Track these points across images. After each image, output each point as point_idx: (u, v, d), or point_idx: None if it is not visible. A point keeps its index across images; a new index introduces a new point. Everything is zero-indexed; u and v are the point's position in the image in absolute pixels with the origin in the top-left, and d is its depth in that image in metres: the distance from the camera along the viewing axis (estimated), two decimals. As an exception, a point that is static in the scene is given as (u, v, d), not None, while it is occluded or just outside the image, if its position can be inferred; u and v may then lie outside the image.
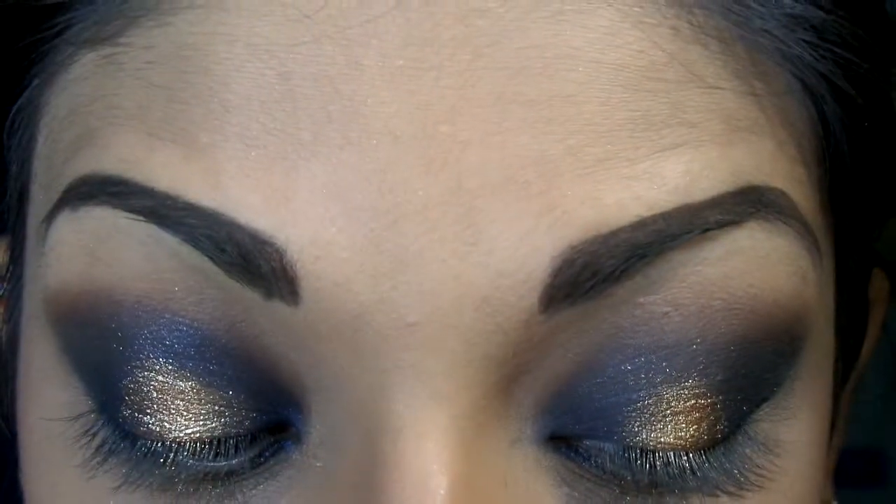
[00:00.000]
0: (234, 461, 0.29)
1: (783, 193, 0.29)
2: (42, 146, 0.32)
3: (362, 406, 0.28)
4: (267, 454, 0.29)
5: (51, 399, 0.31)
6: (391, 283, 0.27)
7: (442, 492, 0.27)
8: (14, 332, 0.35)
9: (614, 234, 0.27)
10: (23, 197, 0.34)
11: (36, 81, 0.32)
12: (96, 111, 0.30)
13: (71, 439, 0.31)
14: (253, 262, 0.27)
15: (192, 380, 0.29)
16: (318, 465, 0.29)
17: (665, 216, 0.28)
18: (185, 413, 0.29)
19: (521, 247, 0.27)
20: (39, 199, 0.32)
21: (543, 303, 0.27)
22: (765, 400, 0.30)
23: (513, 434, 0.29)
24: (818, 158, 0.31)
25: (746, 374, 0.29)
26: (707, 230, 0.28)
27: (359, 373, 0.28)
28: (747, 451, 0.30)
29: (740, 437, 0.30)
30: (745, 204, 0.29)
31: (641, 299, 0.28)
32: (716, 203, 0.28)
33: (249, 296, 0.28)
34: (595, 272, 0.27)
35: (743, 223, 0.29)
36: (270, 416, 0.29)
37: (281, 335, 0.28)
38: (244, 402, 0.29)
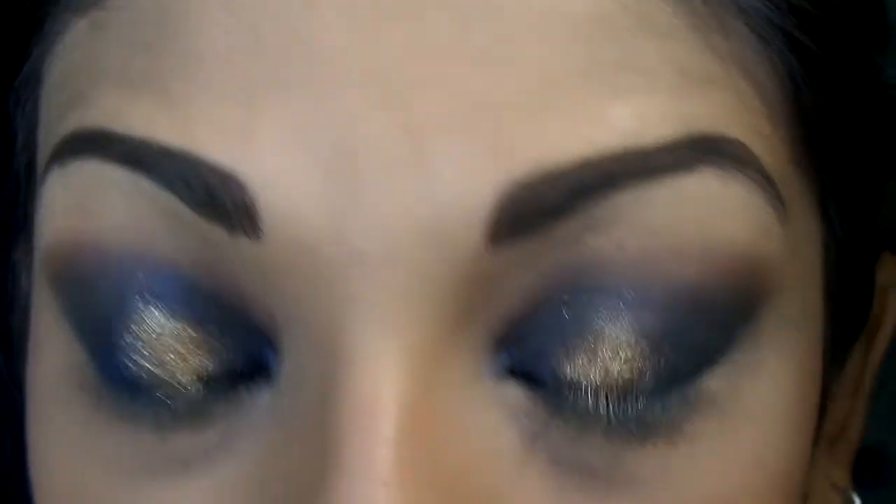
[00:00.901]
0: (218, 401, 0.30)
1: (741, 144, 0.30)
2: (42, 115, 0.34)
3: (323, 339, 0.29)
4: (245, 396, 0.30)
5: (51, 354, 0.33)
6: (344, 215, 0.28)
7: (390, 416, 0.28)
8: (28, 300, 0.36)
9: (559, 171, 0.28)
10: (30, 167, 0.35)
11: (36, 51, 0.34)
12: (84, 74, 0.31)
13: (68, 389, 0.32)
14: (218, 197, 0.29)
15: (181, 323, 0.30)
16: (285, 402, 0.30)
17: (611, 157, 0.28)
18: (174, 357, 0.31)
19: (466, 182, 0.28)
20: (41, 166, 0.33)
21: (489, 238, 0.28)
22: (718, 351, 0.30)
23: (469, 369, 0.29)
24: (788, 115, 0.31)
25: (698, 322, 0.30)
26: (655, 174, 0.29)
27: (318, 305, 0.29)
28: (693, 400, 0.30)
29: (688, 385, 0.30)
30: (698, 152, 0.29)
31: (589, 240, 0.29)
32: (666, 149, 0.29)
33: (218, 234, 0.29)
34: (539, 208, 0.28)
35: (695, 170, 0.29)
36: (252, 357, 0.30)
37: (250, 274, 0.29)
38: (230, 345, 0.30)
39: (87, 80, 0.31)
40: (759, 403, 0.31)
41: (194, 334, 0.31)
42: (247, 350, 0.31)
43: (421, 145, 0.28)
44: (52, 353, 0.33)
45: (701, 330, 0.30)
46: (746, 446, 0.31)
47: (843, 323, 0.36)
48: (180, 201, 0.29)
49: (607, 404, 0.30)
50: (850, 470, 0.40)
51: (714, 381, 0.30)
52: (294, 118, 0.28)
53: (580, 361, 0.30)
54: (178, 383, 0.31)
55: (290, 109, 0.28)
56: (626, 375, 0.30)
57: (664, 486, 0.30)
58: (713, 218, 0.29)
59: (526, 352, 0.30)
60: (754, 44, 0.30)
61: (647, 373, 0.30)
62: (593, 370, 0.30)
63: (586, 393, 0.30)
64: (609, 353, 0.30)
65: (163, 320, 0.31)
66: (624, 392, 0.30)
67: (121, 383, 0.31)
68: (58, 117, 0.32)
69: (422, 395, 0.29)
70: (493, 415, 0.30)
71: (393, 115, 0.28)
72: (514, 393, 0.30)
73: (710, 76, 0.30)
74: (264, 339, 0.30)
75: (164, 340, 0.31)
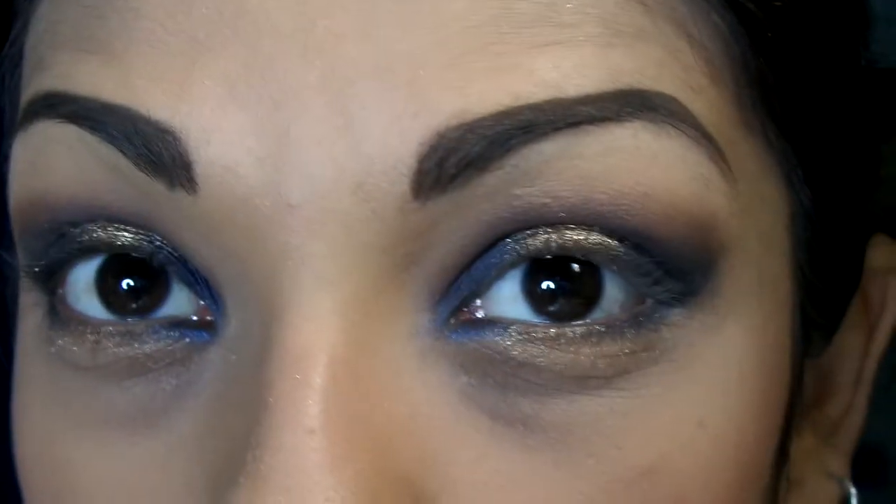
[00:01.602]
0: (171, 354, 0.31)
1: (674, 99, 0.30)
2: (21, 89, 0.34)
3: (260, 294, 0.29)
4: (195, 351, 0.31)
5: (28, 315, 0.34)
6: (274, 166, 0.28)
7: (320, 367, 0.28)
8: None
9: (479, 121, 0.28)
10: None
11: (19, 23, 0.34)
12: (45, 42, 0.32)
13: (39, 348, 0.33)
14: (156, 151, 0.29)
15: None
16: (232, 357, 0.30)
17: (532, 107, 0.28)
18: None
19: (389, 133, 0.28)
20: None
21: (414, 189, 0.28)
22: (675, 301, 0.30)
23: (408, 325, 0.30)
24: (737, 77, 0.31)
25: (645, 269, 0.30)
26: (580, 125, 0.29)
27: (255, 260, 0.29)
28: (644, 347, 0.30)
29: (638, 332, 0.30)
30: (626, 105, 0.29)
31: (518, 191, 0.29)
32: (589, 100, 0.29)
33: (159, 189, 0.29)
34: (461, 159, 0.28)
35: (624, 122, 0.29)
36: (200, 313, 0.31)
37: (190, 229, 0.30)
38: (179, 300, 0.31)
39: (47, 48, 0.32)
40: (712, 364, 0.31)
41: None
42: (195, 305, 0.31)
43: (343, 96, 0.28)
44: (28, 314, 0.34)
45: (648, 277, 0.30)
46: (691, 404, 0.31)
47: (822, 301, 0.36)
48: (123, 156, 0.30)
49: (548, 353, 0.30)
50: (849, 460, 0.40)
51: (668, 332, 0.30)
52: (228, 74, 0.29)
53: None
54: (131, 335, 0.31)
55: (225, 65, 0.29)
56: (569, 323, 0.30)
57: (604, 437, 0.30)
58: (649, 169, 0.29)
59: (465, 305, 0.30)
60: (694, 3, 0.30)
61: (591, 319, 0.30)
62: (534, 320, 0.30)
63: (526, 343, 0.30)
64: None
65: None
66: (566, 340, 0.30)
67: (71, 334, 0.32)
68: (25, 86, 0.33)
69: (355, 348, 0.29)
70: (430, 370, 0.30)
71: (319, 70, 0.28)
72: (453, 347, 0.30)
73: (639, 31, 0.30)
74: (211, 295, 0.31)
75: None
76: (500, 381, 0.30)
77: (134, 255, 0.31)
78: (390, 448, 0.29)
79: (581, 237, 0.29)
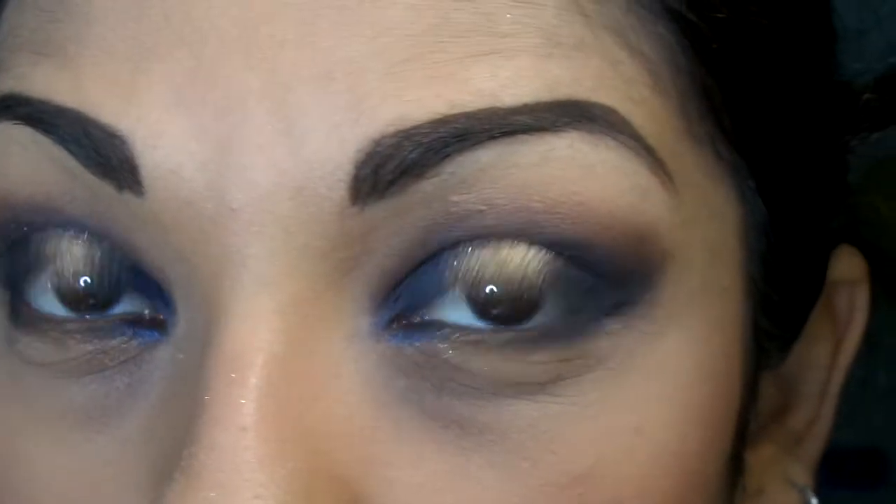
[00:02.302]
0: (123, 352, 0.31)
1: (613, 110, 0.30)
2: None
3: (205, 294, 0.30)
4: (147, 350, 0.31)
5: None
6: (217, 170, 0.29)
7: (255, 368, 0.29)
8: None
9: (416, 129, 0.29)
10: None
11: None
12: (6, 44, 0.33)
13: (1, 344, 0.34)
14: (104, 154, 0.30)
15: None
16: (180, 357, 0.31)
17: (468, 115, 0.29)
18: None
19: (329, 139, 0.29)
20: None
21: (352, 195, 0.29)
22: (614, 309, 0.31)
23: (348, 328, 0.30)
24: (682, 89, 0.31)
25: (583, 277, 0.30)
26: (516, 134, 0.29)
27: (199, 262, 0.30)
28: (580, 355, 0.30)
29: (575, 339, 0.30)
30: (563, 115, 0.29)
31: (454, 198, 0.29)
32: (525, 110, 0.29)
33: (108, 191, 0.30)
34: (398, 166, 0.29)
35: (561, 132, 0.29)
36: (152, 312, 0.32)
37: (139, 230, 0.30)
38: (131, 299, 0.32)
39: (7, 50, 0.32)
40: (651, 373, 0.31)
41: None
42: (148, 304, 0.32)
43: (284, 102, 0.29)
44: None
45: (586, 286, 0.30)
46: (629, 411, 0.31)
47: (778, 312, 0.36)
48: (74, 158, 0.30)
49: (483, 358, 0.30)
50: (813, 469, 0.39)
51: (606, 340, 0.31)
52: (174, 79, 0.29)
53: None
54: (92, 331, 0.32)
55: (171, 71, 0.29)
56: (503, 329, 0.30)
57: (539, 441, 0.30)
58: (585, 179, 0.30)
59: (405, 309, 0.30)
60: (635, 13, 0.31)
61: (529, 325, 0.30)
62: (476, 324, 0.30)
63: (462, 348, 0.30)
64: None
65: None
66: (499, 345, 0.30)
67: (32, 332, 0.32)
68: None
69: (293, 349, 0.29)
70: (369, 372, 0.30)
71: (261, 76, 0.29)
72: (392, 350, 0.30)
73: (579, 42, 0.30)
74: (162, 295, 0.31)
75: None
76: (436, 384, 0.30)
77: (82, 255, 0.32)
78: (326, 448, 0.29)
79: (518, 255, 0.30)
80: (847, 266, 0.39)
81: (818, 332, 0.39)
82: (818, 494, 0.39)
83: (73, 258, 0.32)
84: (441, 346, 0.30)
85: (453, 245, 0.30)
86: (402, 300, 0.30)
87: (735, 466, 0.35)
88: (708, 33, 0.31)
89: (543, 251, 0.30)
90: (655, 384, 0.31)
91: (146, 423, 0.31)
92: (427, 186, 0.29)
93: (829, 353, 0.39)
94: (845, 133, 0.37)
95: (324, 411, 0.29)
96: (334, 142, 0.29)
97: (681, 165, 0.31)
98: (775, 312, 0.35)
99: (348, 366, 0.30)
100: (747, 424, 0.36)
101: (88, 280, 0.32)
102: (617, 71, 0.30)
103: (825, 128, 0.36)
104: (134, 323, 0.31)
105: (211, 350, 0.29)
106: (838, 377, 0.39)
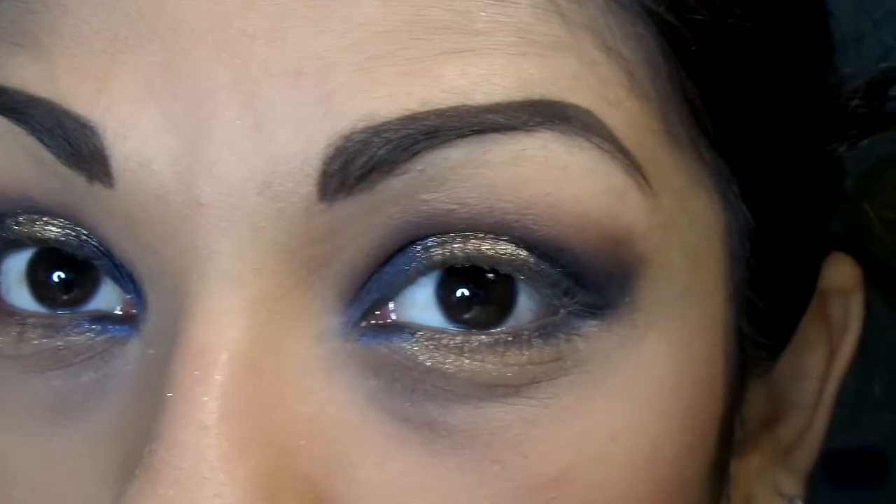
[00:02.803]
0: (94, 347, 0.31)
1: (588, 111, 0.30)
2: None
3: (175, 288, 0.30)
4: (117, 344, 0.31)
5: None
6: (187, 164, 0.29)
7: (219, 366, 0.29)
8: None
9: (385, 125, 0.29)
10: None
11: None
12: None
13: None
14: (76, 145, 0.30)
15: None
16: (150, 352, 0.31)
17: (438, 113, 0.29)
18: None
19: (298, 135, 0.29)
20: None
21: (321, 191, 0.29)
22: (590, 313, 0.30)
23: (317, 326, 0.30)
24: (663, 92, 0.31)
25: (556, 279, 0.30)
26: (485, 132, 0.29)
27: (170, 255, 0.30)
28: (553, 357, 0.30)
29: (549, 341, 0.30)
30: (537, 115, 0.29)
31: (424, 196, 0.29)
32: (498, 108, 0.29)
33: (79, 182, 0.30)
34: (367, 162, 0.29)
35: (534, 133, 0.29)
36: (123, 306, 0.32)
37: (109, 222, 0.30)
38: (103, 292, 0.32)
39: None
40: (629, 378, 0.31)
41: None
42: (122, 299, 0.32)
43: (257, 100, 0.29)
44: None
45: (557, 288, 0.30)
46: (604, 416, 0.31)
47: (764, 319, 0.35)
48: (46, 149, 0.30)
49: (455, 360, 0.30)
50: (804, 479, 0.39)
51: (583, 343, 0.30)
52: (146, 72, 0.29)
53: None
54: (55, 327, 0.32)
55: (143, 64, 0.29)
56: (475, 332, 0.30)
57: (510, 444, 0.30)
58: (558, 180, 0.29)
59: (376, 309, 0.30)
60: (614, 14, 0.30)
61: (502, 327, 0.30)
62: (447, 327, 0.30)
63: (434, 350, 0.30)
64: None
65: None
66: (471, 348, 0.30)
67: (4, 322, 0.32)
68: None
69: (260, 346, 0.29)
70: (338, 371, 0.30)
71: (230, 67, 0.29)
72: (362, 350, 0.30)
73: (555, 41, 0.30)
74: (135, 289, 0.31)
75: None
76: (408, 385, 0.30)
77: (61, 249, 0.32)
78: (291, 447, 0.29)
79: (488, 246, 0.30)
80: (841, 273, 0.39)
81: (811, 340, 0.38)
82: (818, 494, 0.39)
83: (48, 252, 0.32)
84: (414, 348, 0.30)
85: (422, 244, 0.30)
86: (372, 293, 0.30)
87: (719, 475, 0.34)
88: (688, 35, 0.31)
89: (517, 251, 0.30)
90: (632, 389, 0.31)
91: (116, 418, 0.31)
92: (396, 183, 0.29)
93: (822, 363, 0.39)
94: (834, 139, 0.36)
95: (289, 410, 0.29)
96: (303, 137, 0.29)
97: (659, 169, 0.31)
98: (761, 320, 0.35)
99: (316, 364, 0.30)
100: (732, 432, 0.35)
101: (63, 275, 0.32)
102: (594, 71, 0.30)
103: (812, 133, 0.35)
104: (103, 318, 0.31)
105: (176, 346, 0.29)
106: (832, 387, 0.39)
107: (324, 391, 0.30)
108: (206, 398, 0.28)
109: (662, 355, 0.31)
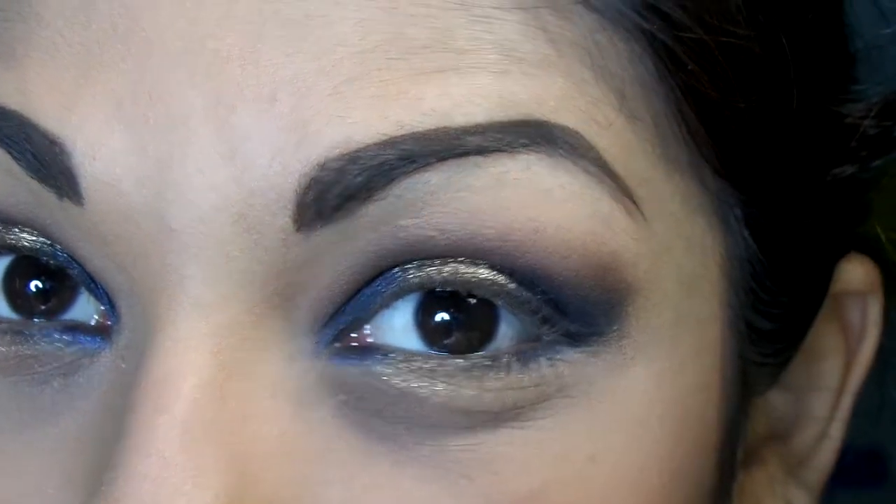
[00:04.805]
0: (65, 354, 0.31)
1: (576, 133, 0.29)
2: None
3: (145, 308, 0.29)
4: (87, 355, 0.31)
5: None
6: (156, 188, 0.28)
7: (181, 395, 0.28)
8: None
9: (361, 151, 0.28)
10: None
11: None
12: None
13: None
14: (44, 161, 0.29)
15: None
16: (122, 366, 0.30)
17: (416, 136, 0.28)
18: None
19: (272, 164, 0.28)
20: None
21: (296, 221, 0.28)
22: (574, 338, 0.30)
23: (290, 349, 0.29)
24: (657, 113, 0.30)
25: (537, 304, 0.29)
26: (465, 155, 0.28)
27: (140, 274, 0.29)
28: (532, 383, 0.29)
29: (530, 365, 0.29)
30: (521, 136, 0.28)
31: (403, 222, 0.28)
32: (480, 130, 0.28)
33: (47, 196, 0.29)
34: (343, 190, 0.28)
35: (517, 154, 0.28)
36: (98, 317, 0.31)
37: (80, 238, 0.30)
38: (78, 302, 0.31)
39: None
40: (615, 403, 0.30)
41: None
42: (96, 309, 0.31)
43: (226, 124, 0.28)
44: None
45: (543, 314, 0.29)
46: (585, 439, 0.30)
47: (767, 342, 0.34)
48: (15, 162, 0.30)
49: (430, 384, 0.29)
50: (816, 496, 0.38)
51: (567, 369, 0.30)
52: (116, 91, 0.29)
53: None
54: (23, 335, 0.31)
55: (114, 82, 0.29)
56: (451, 356, 0.29)
57: (480, 460, 0.29)
58: (542, 204, 0.29)
59: (351, 331, 0.30)
60: (604, 32, 0.29)
61: (481, 352, 0.29)
62: (422, 350, 0.29)
63: (407, 373, 0.29)
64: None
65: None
66: (447, 373, 0.29)
67: None
68: None
69: (226, 372, 0.29)
70: (307, 391, 0.29)
71: (203, 90, 0.28)
72: (333, 371, 0.30)
73: (541, 60, 0.29)
74: (107, 301, 0.31)
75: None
76: (378, 407, 0.29)
77: (35, 257, 0.31)
78: (254, 471, 0.29)
79: (467, 270, 0.29)
80: (857, 275, 0.37)
81: (827, 348, 0.37)
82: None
83: (26, 260, 0.31)
84: (387, 370, 0.29)
85: (400, 268, 0.29)
86: (347, 315, 0.30)
87: (718, 499, 0.34)
88: (682, 55, 0.30)
89: (496, 277, 0.29)
90: (618, 414, 0.30)
91: (85, 425, 0.30)
92: (374, 210, 0.28)
93: (839, 372, 0.37)
94: (843, 161, 0.35)
95: (254, 432, 0.29)
96: (277, 168, 0.28)
97: (652, 193, 0.30)
98: (763, 341, 0.34)
99: (286, 385, 0.29)
100: (733, 456, 0.34)
101: (40, 284, 0.31)
102: (582, 91, 0.29)
103: (818, 155, 0.34)
104: (75, 329, 0.31)
105: (140, 371, 0.28)
106: (849, 398, 0.37)
107: (290, 411, 0.29)
108: (166, 428, 0.28)
109: (651, 382, 0.31)
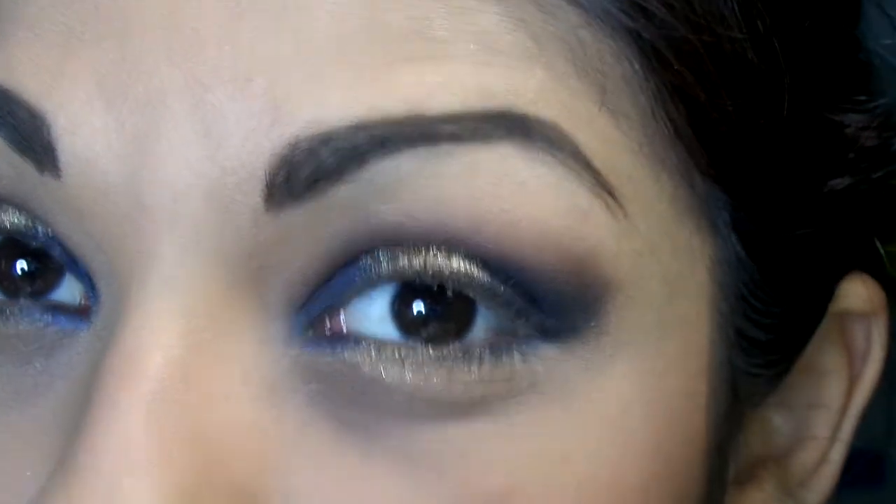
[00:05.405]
0: (46, 334, 0.31)
1: (554, 126, 0.29)
2: None
3: (121, 286, 0.29)
4: (66, 334, 0.31)
5: None
6: (132, 165, 0.29)
7: (148, 373, 0.28)
8: None
9: (333, 133, 0.28)
10: None
11: None
12: None
13: None
14: (26, 134, 0.30)
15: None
16: (99, 345, 0.30)
17: (389, 122, 0.28)
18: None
19: (245, 143, 0.28)
20: None
21: (267, 200, 0.28)
22: (550, 334, 0.29)
23: (262, 333, 0.29)
24: (643, 112, 0.30)
25: (509, 302, 0.29)
26: (440, 143, 0.28)
27: (116, 253, 0.29)
28: (505, 377, 0.29)
29: (503, 359, 0.29)
30: (497, 127, 0.28)
31: (374, 207, 0.28)
32: (454, 119, 0.28)
33: (29, 170, 0.30)
34: (314, 171, 0.28)
35: (492, 145, 0.28)
36: (77, 297, 0.31)
37: (59, 212, 0.30)
38: (57, 282, 0.32)
39: None
40: (590, 402, 0.30)
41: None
42: (72, 288, 0.31)
43: (205, 106, 0.28)
44: None
45: (517, 307, 0.29)
46: (557, 437, 0.30)
47: (758, 351, 0.34)
48: None
49: (400, 373, 0.29)
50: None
51: (541, 365, 0.29)
52: (98, 69, 0.29)
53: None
54: (4, 314, 0.32)
55: (96, 60, 0.29)
56: (423, 346, 0.29)
57: (450, 455, 0.29)
58: (516, 196, 0.28)
59: (325, 319, 0.30)
60: (588, 27, 0.29)
61: (454, 343, 0.29)
62: (396, 339, 0.29)
63: (378, 362, 0.29)
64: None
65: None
66: (417, 362, 0.29)
67: None
68: None
69: (196, 352, 0.29)
70: (280, 378, 0.29)
71: (181, 70, 0.28)
72: (307, 358, 0.30)
73: (521, 51, 0.29)
74: (87, 282, 0.31)
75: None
76: (350, 396, 0.29)
77: (18, 237, 0.31)
78: (222, 455, 0.29)
79: (439, 261, 0.29)
80: (861, 295, 0.36)
81: (829, 367, 0.36)
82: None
83: (12, 241, 0.32)
84: (360, 358, 0.29)
85: (372, 256, 0.29)
86: (320, 303, 0.30)
87: None
88: (668, 54, 0.29)
89: (469, 268, 0.29)
90: (593, 414, 0.30)
91: (62, 407, 0.30)
92: (345, 192, 0.28)
93: (841, 392, 0.36)
94: (840, 171, 0.34)
95: (224, 417, 0.29)
96: (249, 147, 0.28)
97: (637, 191, 0.30)
98: (756, 351, 0.33)
99: (257, 371, 0.29)
100: (724, 465, 0.34)
101: (25, 266, 0.32)
102: (563, 85, 0.29)
103: (813, 162, 0.33)
104: (56, 309, 0.31)
105: (109, 349, 0.29)
106: (851, 420, 0.36)
107: (262, 397, 0.29)
108: (131, 404, 0.28)
109: (631, 382, 0.30)
